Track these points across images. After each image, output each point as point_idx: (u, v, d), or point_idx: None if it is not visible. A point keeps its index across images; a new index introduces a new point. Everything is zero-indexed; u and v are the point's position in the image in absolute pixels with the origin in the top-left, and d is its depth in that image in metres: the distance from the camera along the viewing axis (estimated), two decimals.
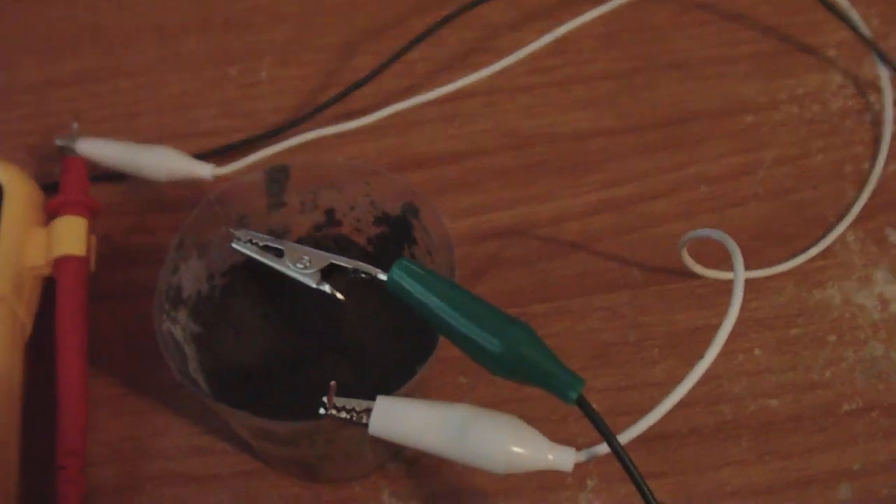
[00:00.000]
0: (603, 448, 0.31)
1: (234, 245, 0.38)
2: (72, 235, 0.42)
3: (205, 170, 0.44)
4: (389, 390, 0.33)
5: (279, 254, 0.37)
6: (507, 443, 0.31)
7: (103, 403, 0.43)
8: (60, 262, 0.42)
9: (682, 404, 0.32)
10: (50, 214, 0.44)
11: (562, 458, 0.31)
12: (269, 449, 0.38)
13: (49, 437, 0.39)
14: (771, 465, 0.41)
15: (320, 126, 0.47)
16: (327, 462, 0.39)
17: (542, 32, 0.49)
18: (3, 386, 0.39)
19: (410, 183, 0.39)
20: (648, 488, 0.31)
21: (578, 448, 0.32)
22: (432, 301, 0.32)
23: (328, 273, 0.36)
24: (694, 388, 0.32)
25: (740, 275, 0.34)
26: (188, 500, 0.40)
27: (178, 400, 0.43)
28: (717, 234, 0.36)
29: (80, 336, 0.41)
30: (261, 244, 0.37)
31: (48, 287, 0.43)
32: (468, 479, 0.40)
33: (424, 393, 0.40)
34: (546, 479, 0.40)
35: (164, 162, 0.44)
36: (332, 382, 0.31)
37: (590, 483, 0.40)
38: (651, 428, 0.32)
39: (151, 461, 0.41)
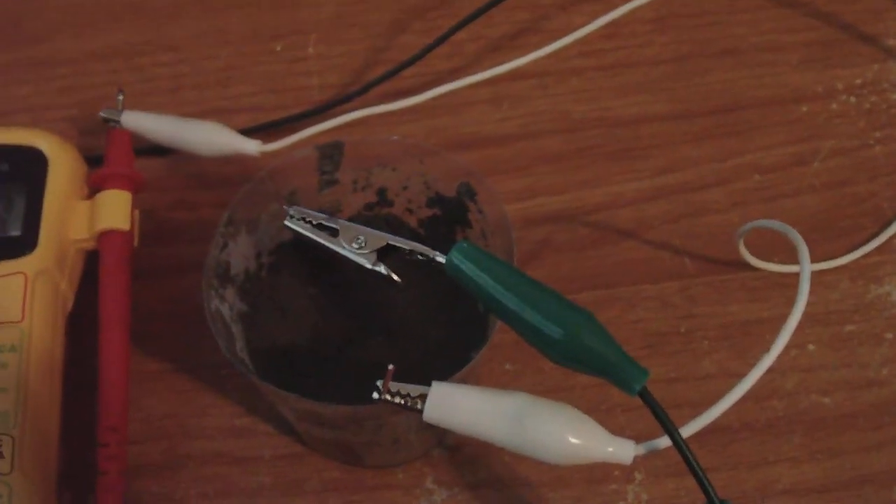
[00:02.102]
0: (663, 441, 0.31)
1: (287, 223, 0.37)
2: (116, 209, 0.42)
3: (251, 146, 0.43)
4: (436, 375, 0.32)
5: (333, 233, 0.36)
6: (565, 433, 0.30)
7: (144, 380, 0.42)
8: (104, 236, 0.41)
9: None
10: (93, 187, 0.43)
11: (621, 450, 0.30)
12: (314, 432, 0.38)
13: (90, 412, 0.39)
14: (824, 463, 0.40)
15: (367, 104, 0.46)
16: (372, 447, 0.38)
17: (592, 14, 0.48)
18: (45, 359, 0.38)
19: (468, 164, 0.38)
20: (711, 484, 0.30)
21: (636, 441, 0.31)
22: (492, 285, 0.31)
23: (384, 254, 0.36)
24: None
25: (806, 268, 0.33)
26: (229, 480, 0.40)
27: (221, 379, 0.42)
28: (778, 226, 0.35)
29: (123, 311, 0.41)
30: (314, 222, 0.37)
31: (90, 261, 0.43)
32: (514, 467, 0.40)
33: (474, 380, 0.40)
34: (593, 471, 0.39)
35: (211, 137, 0.44)
36: (391, 366, 0.30)
37: (637, 476, 0.39)
38: None
39: (192, 440, 0.41)
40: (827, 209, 0.46)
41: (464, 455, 0.40)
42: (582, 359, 0.31)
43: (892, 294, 0.44)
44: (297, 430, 0.39)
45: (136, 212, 0.43)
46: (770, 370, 0.41)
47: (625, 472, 0.39)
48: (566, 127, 0.49)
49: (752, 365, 0.41)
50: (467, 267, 0.32)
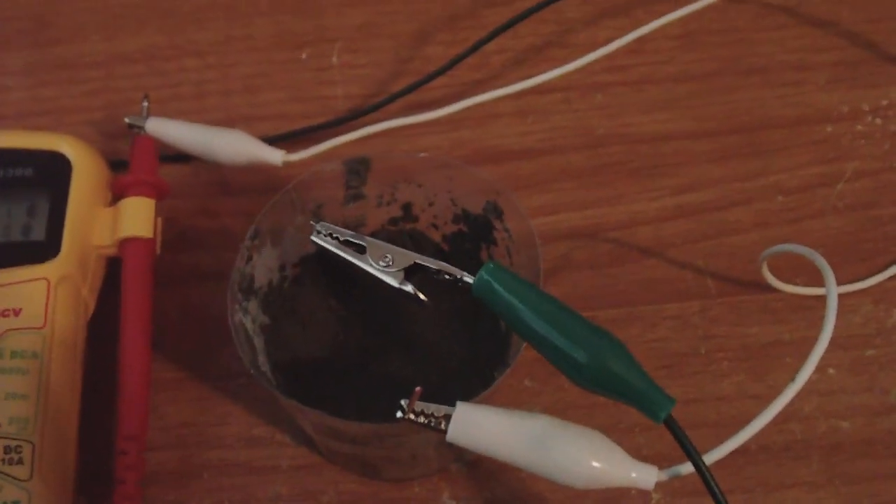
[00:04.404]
0: (686, 468, 0.30)
1: (313, 238, 0.37)
2: (139, 217, 0.42)
3: (275, 155, 0.43)
4: (457, 392, 0.32)
5: (360, 249, 0.36)
6: (588, 458, 0.30)
7: (163, 388, 0.42)
8: (127, 244, 0.41)
9: (751, 420, 0.31)
10: (117, 193, 0.43)
11: (644, 476, 0.30)
12: (333, 446, 0.38)
13: (108, 418, 0.39)
14: (841, 489, 0.39)
15: (392, 114, 0.46)
16: (391, 462, 0.38)
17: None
18: (66, 366, 0.38)
19: (496, 181, 0.37)
20: None
21: (660, 466, 0.31)
22: (519, 307, 0.31)
23: (411, 272, 0.35)
24: (764, 406, 0.31)
25: (833, 297, 0.33)
26: (245, 490, 0.40)
27: (239, 388, 0.42)
28: (804, 251, 0.35)
29: (145, 320, 0.40)
30: (341, 238, 0.37)
31: (111, 265, 0.43)
32: (529, 484, 0.39)
33: (494, 397, 0.39)
34: (610, 490, 0.39)
35: (235, 145, 0.43)
36: (418, 388, 0.30)
37: (654, 497, 0.39)
38: (719, 444, 0.31)
39: (210, 449, 0.41)
40: (850, 232, 0.46)
41: (480, 471, 0.40)
42: (608, 384, 0.31)
43: None
44: (315, 442, 0.39)
45: (160, 219, 0.43)
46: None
47: (641, 493, 0.39)
48: (589, 142, 0.49)
49: (771, 387, 0.41)
50: (495, 289, 0.32)
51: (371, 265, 0.36)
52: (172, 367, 0.43)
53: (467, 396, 0.32)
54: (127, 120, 0.45)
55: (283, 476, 0.40)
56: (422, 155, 0.38)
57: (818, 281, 0.43)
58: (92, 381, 0.40)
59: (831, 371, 0.42)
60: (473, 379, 0.35)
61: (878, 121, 0.49)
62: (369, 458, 0.38)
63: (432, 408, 0.31)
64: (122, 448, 0.38)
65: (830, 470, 0.40)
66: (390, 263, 0.36)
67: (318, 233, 0.37)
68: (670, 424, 0.30)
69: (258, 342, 0.37)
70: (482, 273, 0.32)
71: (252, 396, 0.42)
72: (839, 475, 0.40)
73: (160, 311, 0.43)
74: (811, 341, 0.42)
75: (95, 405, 0.40)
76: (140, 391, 0.39)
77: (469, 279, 0.33)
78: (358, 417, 0.32)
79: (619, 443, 0.32)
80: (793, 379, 0.31)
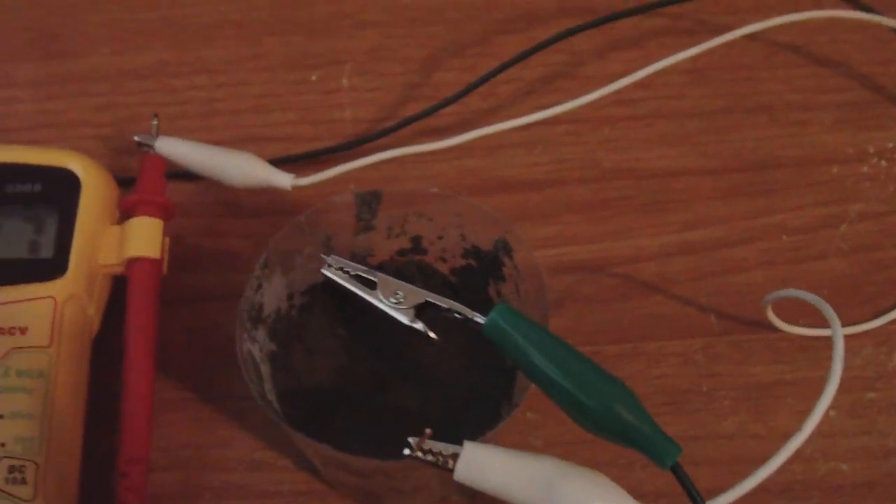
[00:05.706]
0: None
1: (324, 271, 0.37)
2: (147, 237, 0.41)
3: (285, 179, 0.43)
4: (464, 426, 0.32)
5: (371, 284, 0.36)
6: (593, 500, 0.30)
7: (166, 409, 0.42)
8: (134, 263, 0.41)
9: (752, 461, 0.32)
10: (124, 212, 0.43)
11: None
12: (338, 476, 0.38)
13: (111, 439, 0.39)
14: None
15: (401, 139, 0.46)
16: (394, 492, 0.38)
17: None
18: (70, 386, 0.38)
19: (507, 220, 0.38)
20: None
21: None
22: (529, 349, 0.32)
23: (421, 309, 0.36)
24: (765, 446, 0.31)
25: (839, 345, 0.33)
26: None
27: (243, 410, 0.42)
28: (812, 298, 0.36)
29: (149, 341, 0.40)
30: (352, 273, 0.37)
31: (116, 284, 0.43)
32: None
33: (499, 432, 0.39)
34: None
35: (245, 168, 0.43)
36: (428, 430, 0.30)
37: None
38: (720, 482, 0.31)
39: (211, 472, 0.41)
40: (853, 274, 0.46)
41: (481, 501, 0.40)
42: (615, 430, 0.31)
43: None
44: (319, 471, 0.39)
45: (167, 240, 0.43)
46: (789, 434, 0.41)
47: None
48: (596, 176, 0.49)
49: (773, 428, 0.42)
50: (505, 330, 0.32)
51: (382, 301, 0.36)
52: (176, 388, 0.43)
53: (472, 431, 0.32)
54: (136, 138, 0.45)
55: (285, 501, 0.40)
56: (433, 190, 0.38)
57: (821, 322, 0.43)
58: (96, 401, 0.40)
59: (832, 413, 0.42)
60: (480, 413, 0.35)
61: (884, 163, 0.50)
62: (374, 488, 0.38)
63: (440, 446, 0.31)
64: (123, 470, 0.38)
65: None
66: (401, 300, 0.36)
67: (329, 266, 0.37)
68: (677, 472, 0.30)
69: (264, 369, 0.37)
70: (493, 315, 0.33)
71: (255, 419, 0.42)
72: None
73: (165, 332, 0.43)
74: (813, 382, 0.43)
75: (99, 424, 0.40)
76: (143, 414, 0.39)
77: (480, 320, 0.33)
78: (361, 448, 0.32)
79: (620, 479, 0.32)
80: (800, 428, 0.31)
